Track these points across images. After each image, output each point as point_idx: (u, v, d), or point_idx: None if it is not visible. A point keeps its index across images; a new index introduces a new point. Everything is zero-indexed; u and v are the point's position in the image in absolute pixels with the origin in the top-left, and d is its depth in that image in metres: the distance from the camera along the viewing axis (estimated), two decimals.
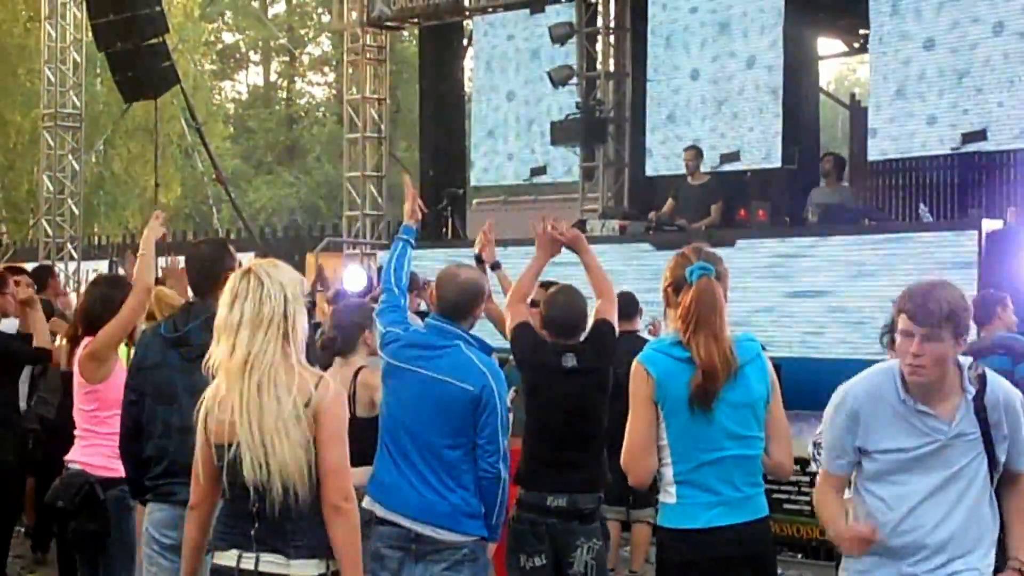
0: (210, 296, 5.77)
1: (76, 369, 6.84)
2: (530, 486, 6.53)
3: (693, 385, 4.69)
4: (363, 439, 5.52)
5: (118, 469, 6.39)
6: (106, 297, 6.92)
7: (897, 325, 4.39)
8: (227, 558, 4.32)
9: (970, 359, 4.49)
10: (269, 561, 4.26)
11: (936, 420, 4.41)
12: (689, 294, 4.75)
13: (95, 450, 6.68)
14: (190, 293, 6.43)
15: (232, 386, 4.26)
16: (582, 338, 6.69)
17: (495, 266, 7.45)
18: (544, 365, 6.58)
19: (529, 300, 6.85)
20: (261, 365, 4.23)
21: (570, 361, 6.56)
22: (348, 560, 4.26)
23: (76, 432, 6.85)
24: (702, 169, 14.92)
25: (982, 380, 4.46)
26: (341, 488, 4.24)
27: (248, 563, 4.27)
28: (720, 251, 5.03)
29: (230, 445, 4.24)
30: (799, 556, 10.54)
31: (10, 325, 8.86)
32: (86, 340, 6.85)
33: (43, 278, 10.89)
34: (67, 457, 6.81)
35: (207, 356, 4.39)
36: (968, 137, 14.04)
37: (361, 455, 5.11)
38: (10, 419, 8.65)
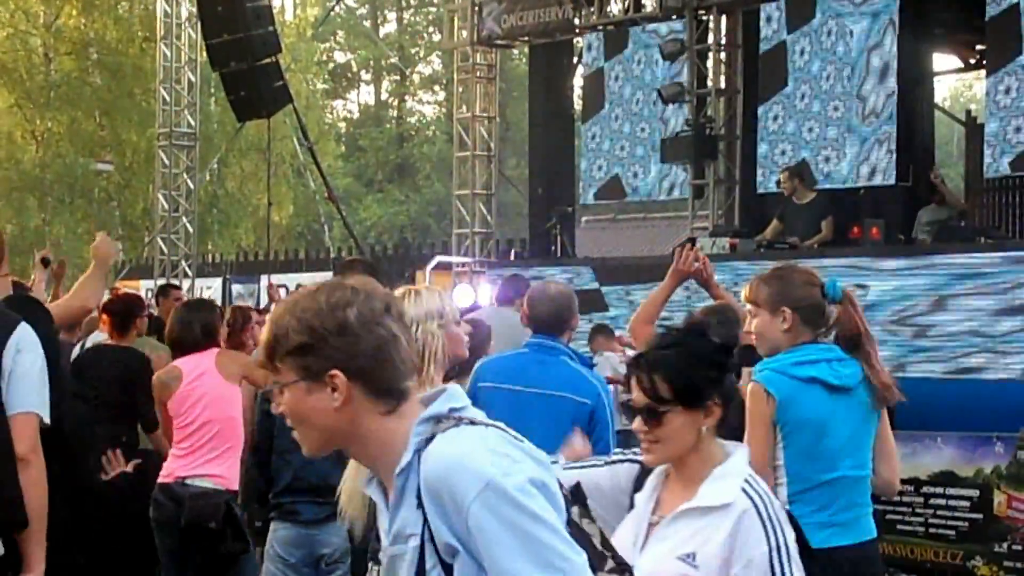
0: None
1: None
2: None
3: (893, 398, 4.75)
4: None
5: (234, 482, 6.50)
6: (184, 320, 7.06)
7: None
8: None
9: None
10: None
11: None
12: (858, 307, 4.72)
13: (218, 465, 6.68)
14: None
15: None
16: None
17: None
18: None
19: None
20: None
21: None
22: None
23: (178, 450, 6.89)
24: (808, 188, 14.81)
25: None
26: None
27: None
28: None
29: None
30: None
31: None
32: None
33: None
34: (179, 473, 6.82)
35: None
36: None
37: None
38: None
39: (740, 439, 5.21)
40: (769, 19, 16.44)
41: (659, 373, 3.34)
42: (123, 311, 8.41)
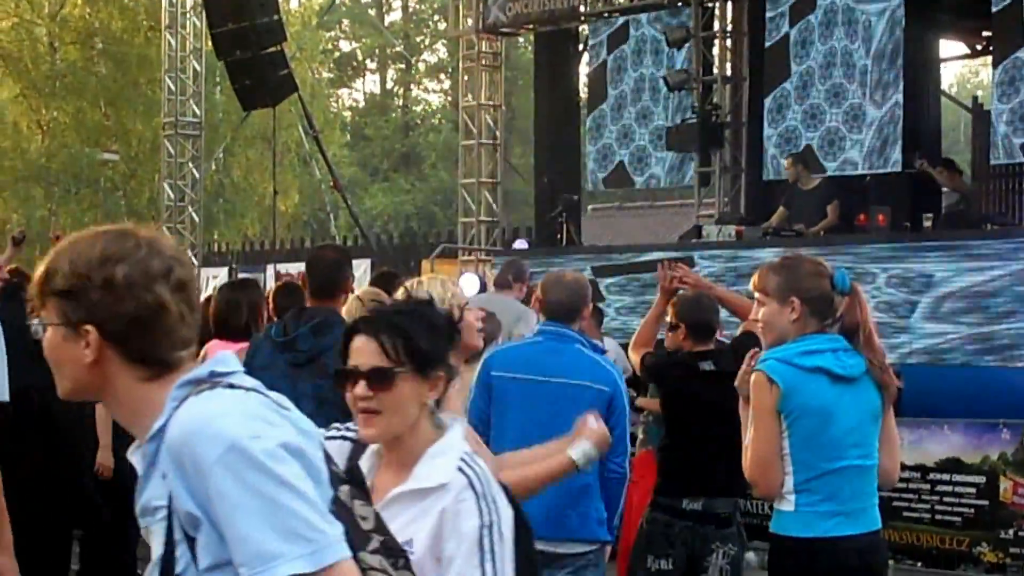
0: (328, 302, 5.79)
1: None
2: (665, 489, 6.51)
3: (894, 391, 4.73)
4: None
5: None
6: (231, 301, 7.00)
7: None
8: None
9: None
10: None
11: None
12: (863, 299, 4.72)
13: None
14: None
15: None
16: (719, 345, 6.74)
17: None
18: (682, 366, 6.57)
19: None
20: None
21: (708, 365, 6.54)
22: None
23: None
24: (814, 174, 14.80)
25: None
26: None
27: None
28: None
29: None
30: (919, 564, 10.37)
31: None
32: (214, 343, 6.94)
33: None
34: None
35: None
36: None
37: None
38: None
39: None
40: (775, 6, 16.41)
41: (393, 334, 3.18)
42: None
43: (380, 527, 2.63)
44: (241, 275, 23.45)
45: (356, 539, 2.49)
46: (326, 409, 5.67)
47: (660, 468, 6.66)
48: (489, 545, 3.03)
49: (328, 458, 2.52)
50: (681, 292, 6.90)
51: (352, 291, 5.93)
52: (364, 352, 3.20)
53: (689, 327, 6.70)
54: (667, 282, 6.67)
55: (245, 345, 6.83)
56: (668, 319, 6.91)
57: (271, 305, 8.66)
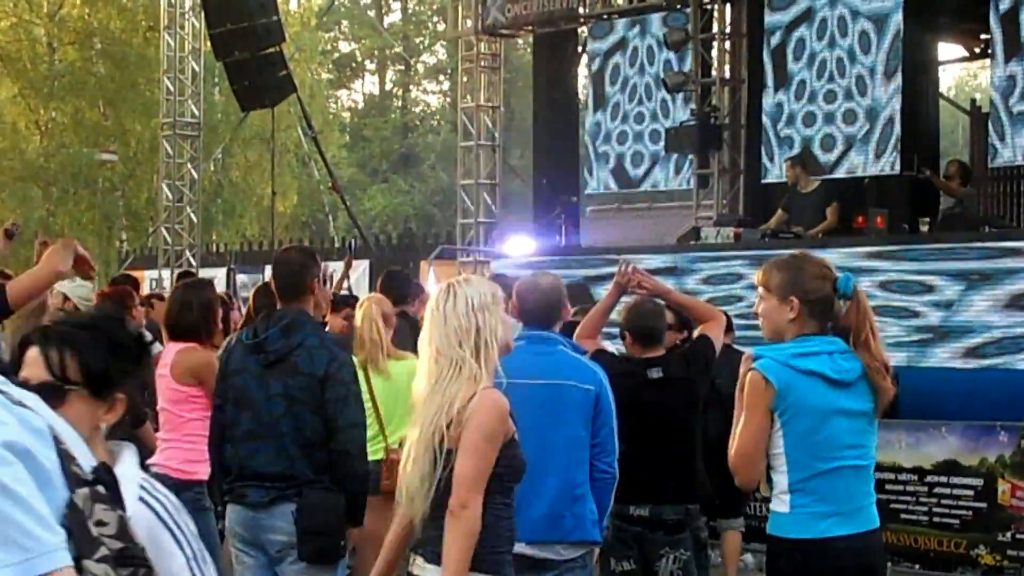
0: (295, 302, 5.85)
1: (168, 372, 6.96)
2: (616, 495, 6.51)
3: (890, 395, 4.70)
4: None
5: (195, 472, 6.64)
6: (182, 301, 7.03)
7: None
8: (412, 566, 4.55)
9: None
10: (419, 566, 4.45)
11: None
12: (864, 303, 4.74)
13: (173, 453, 6.83)
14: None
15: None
16: (666, 350, 6.76)
17: None
18: (631, 375, 6.55)
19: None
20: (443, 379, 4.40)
21: (656, 372, 6.55)
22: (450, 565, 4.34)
23: (159, 435, 7.00)
24: (812, 177, 14.81)
25: None
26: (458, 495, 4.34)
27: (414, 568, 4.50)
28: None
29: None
30: (916, 567, 10.38)
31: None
32: (168, 344, 7.01)
33: None
34: (149, 460, 6.91)
35: None
36: None
37: None
38: None
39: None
40: (774, 8, 16.41)
41: (72, 350, 2.95)
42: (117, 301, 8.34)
43: (122, 533, 2.46)
44: (239, 276, 23.54)
45: (83, 546, 2.34)
46: (297, 408, 5.72)
47: None
48: (198, 573, 2.91)
49: (67, 457, 2.38)
50: (633, 298, 6.88)
51: (314, 291, 5.97)
52: (35, 365, 2.97)
53: (633, 334, 6.74)
54: (623, 278, 6.65)
55: (194, 345, 6.89)
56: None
57: (251, 306, 8.70)
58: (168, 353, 6.99)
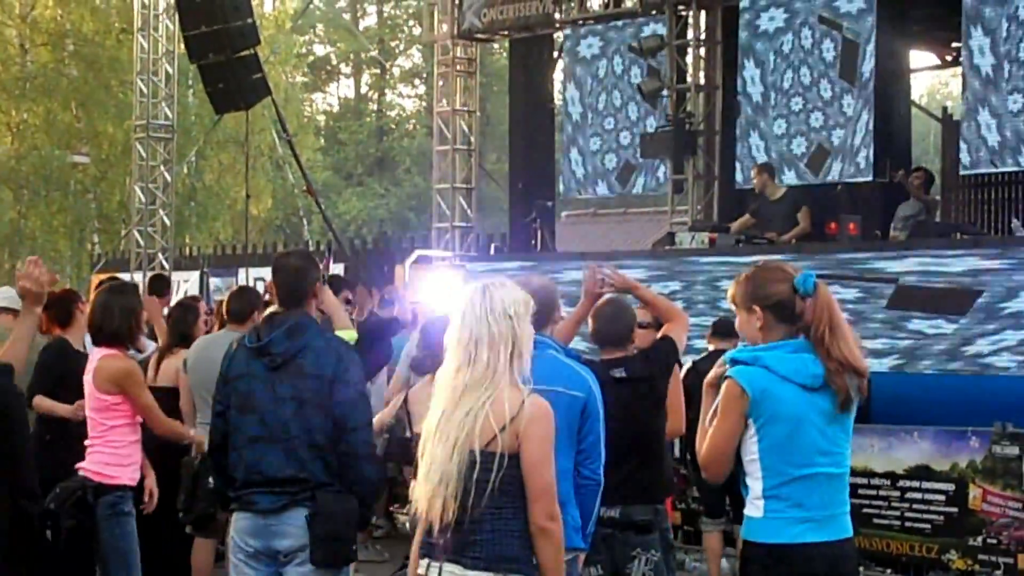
0: (296, 307, 5.82)
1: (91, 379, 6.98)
2: None
3: (847, 392, 4.68)
4: None
5: (117, 477, 6.78)
6: (105, 306, 7.02)
7: None
8: (420, 567, 4.55)
9: None
10: (449, 572, 4.46)
11: None
12: (822, 301, 4.73)
13: (96, 457, 6.89)
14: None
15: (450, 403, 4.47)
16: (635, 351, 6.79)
17: None
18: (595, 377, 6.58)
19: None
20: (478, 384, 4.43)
21: (619, 372, 6.57)
22: None
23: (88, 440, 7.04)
24: (784, 183, 14.87)
25: None
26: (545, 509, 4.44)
27: (433, 572, 4.50)
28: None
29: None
30: (888, 571, 10.42)
31: None
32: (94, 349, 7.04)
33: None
34: (78, 464, 6.97)
35: None
36: None
37: None
38: None
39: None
40: (748, 15, 16.47)
41: None
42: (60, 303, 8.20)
43: None
44: (212, 280, 23.49)
45: None
46: (306, 409, 5.69)
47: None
48: None
49: None
50: (601, 300, 6.90)
51: (315, 294, 5.97)
52: None
53: (594, 338, 6.77)
54: (592, 285, 6.69)
55: (116, 352, 6.88)
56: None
57: (224, 310, 8.69)
58: (92, 359, 7.01)
